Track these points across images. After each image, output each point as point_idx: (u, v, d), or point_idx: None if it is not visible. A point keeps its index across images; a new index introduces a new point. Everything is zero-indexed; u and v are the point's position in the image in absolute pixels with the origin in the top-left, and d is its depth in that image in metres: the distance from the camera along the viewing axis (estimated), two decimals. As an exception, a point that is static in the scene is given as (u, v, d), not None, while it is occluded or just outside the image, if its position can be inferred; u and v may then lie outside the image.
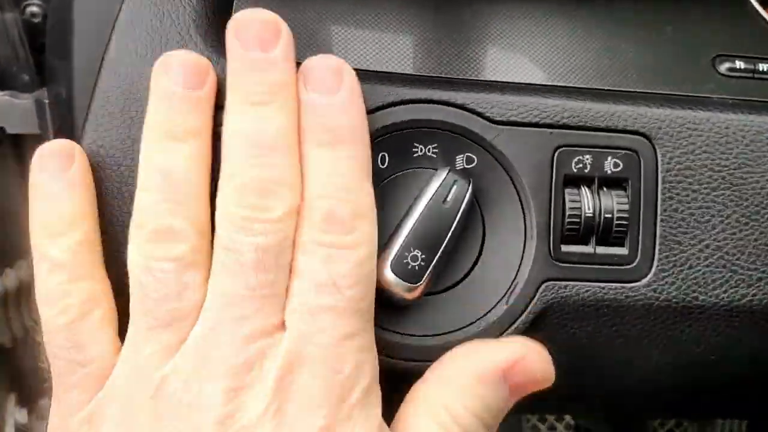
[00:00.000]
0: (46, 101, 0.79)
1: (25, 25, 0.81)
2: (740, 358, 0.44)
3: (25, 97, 0.80)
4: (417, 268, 0.39)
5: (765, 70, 0.47)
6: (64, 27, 0.66)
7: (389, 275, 0.39)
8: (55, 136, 0.81)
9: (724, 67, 0.46)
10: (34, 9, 0.83)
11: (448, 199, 0.39)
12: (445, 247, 0.39)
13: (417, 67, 0.44)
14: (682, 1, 0.48)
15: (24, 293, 0.95)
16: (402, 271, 0.39)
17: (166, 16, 0.41)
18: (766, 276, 0.43)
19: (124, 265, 0.37)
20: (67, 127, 0.63)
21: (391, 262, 0.39)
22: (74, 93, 0.72)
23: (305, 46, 0.43)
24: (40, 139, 0.84)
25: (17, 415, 1.00)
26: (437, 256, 0.39)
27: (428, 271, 0.39)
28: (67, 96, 0.61)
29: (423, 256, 0.39)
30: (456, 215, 0.39)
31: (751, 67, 0.46)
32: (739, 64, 0.46)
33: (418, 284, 0.39)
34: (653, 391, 0.47)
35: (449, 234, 0.39)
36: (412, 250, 0.39)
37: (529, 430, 0.96)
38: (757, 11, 0.49)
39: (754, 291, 0.43)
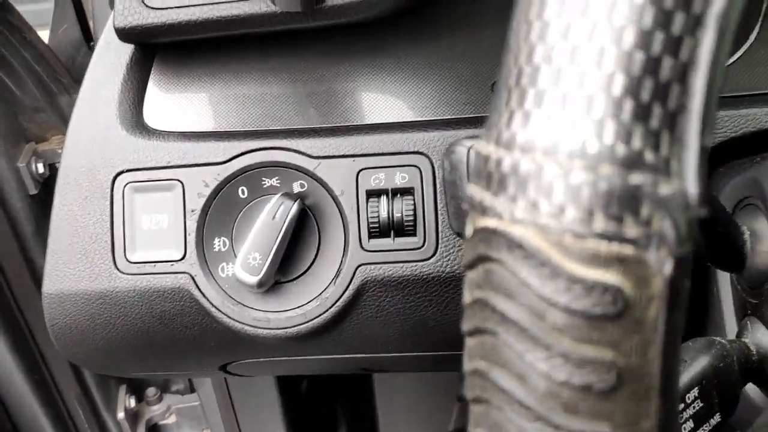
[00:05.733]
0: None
1: None
2: None
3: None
4: (256, 265, 0.57)
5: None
6: None
7: (239, 272, 0.57)
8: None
9: (500, 91, 0.60)
10: None
11: (276, 215, 0.57)
12: (276, 249, 0.57)
13: (269, 123, 0.62)
14: (471, 34, 0.62)
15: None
16: (247, 268, 0.57)
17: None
18: None
19: None
20: None
21: (241, 262, 0.57)
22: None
23: (196, 117, 0.63)
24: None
25: (127, 401, 1.25)
26: (270, 256, 0.57)
27: (265, 266, 0.57)
28: None
29: (260, 257, 0.57)
30: (281, 227, 0.57)
31: (522, 87, 0.60)
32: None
33: (259, 276, 0.57)
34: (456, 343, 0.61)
35: (277, 240, 0.57)
36: (252, 252, 0.57)
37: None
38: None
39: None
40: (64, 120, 1.06)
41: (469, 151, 0.40)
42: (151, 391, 1.32)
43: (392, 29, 0.62)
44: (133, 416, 1.27)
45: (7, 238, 0.99)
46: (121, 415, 1.23)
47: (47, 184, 1.05)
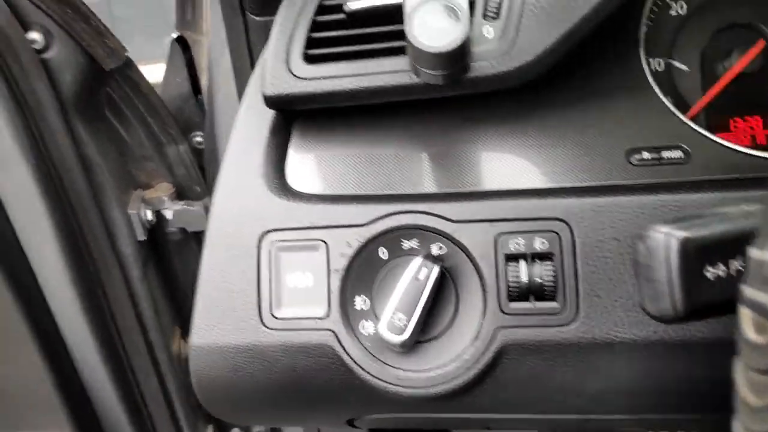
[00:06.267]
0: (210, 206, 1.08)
1: (194, 151, 1.12)
2: (659, 381, 0.59)
3: (196, 204, 1.10)
4: (402, 325, 0.59)
5: (668, 156, 0.61)
6: (213, 146, 0.95)
7: (384, 332, 0.59)
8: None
9: (635, 159, 0.62)
10: (199, 138, 1.13)
11: (420, 277, 0.59)
12: (420, 311, 0.59)
13: (407, 187, 0.65)
14: (602, 102, 0.64)
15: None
16: (392, 328, 0.59)
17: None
18: None
19: None
20: None
21: (386, 322, 0.59)
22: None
23: (336, 180, 0.66)
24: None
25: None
26: (415, 317, 0.59)
27: (409, 328, 0.59)
28: None
29: (406, 318, 0.59)
30: (425, 288, 0.59)
31: (657, 155, 0.62)
32: (646, 154, 0.62)
33: (404, 337, 0.59)
34: (590, 411, 0.62)
35: (421, 302, 0.59)
36: (397, 313, 0.59)
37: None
38: (663, 103, 0.63)
39: (663, 327, 0.58)
40: (170, 168, 1.11)
41: (669, 239, 0.41)
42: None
43: (527, 95, 0.64)
44: (219, 456, 1.29)
45: (117, 283, 1.03)
46: (209, 454, 1.25)
47: (152, 231, 1.09)
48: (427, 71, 0.57)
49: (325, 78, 0.63)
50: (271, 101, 0.64)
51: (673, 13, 0.67)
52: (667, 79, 0.65)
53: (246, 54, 0.81)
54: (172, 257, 1.19)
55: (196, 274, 1.21)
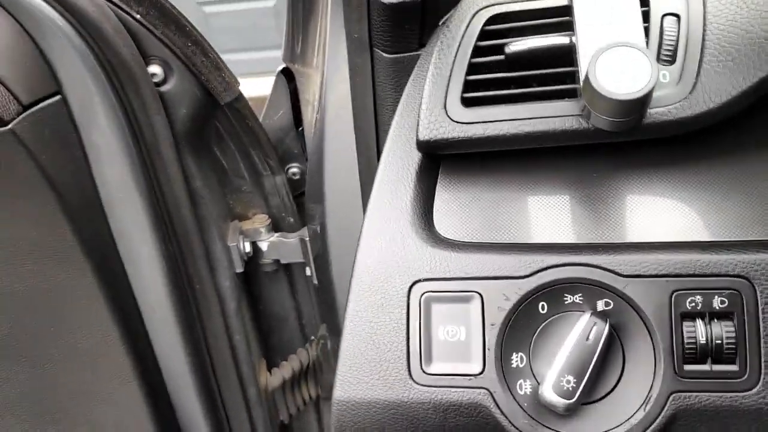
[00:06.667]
0: (307, 238, 1.06)
1: (289, 182, 1.10)
2: None
3: (292, 236, 1.08)
4: (570, 388, 0.55)
5: None
6: (319, 180, 0.93)
7: (550, 395, 0.55)
8: (315, 262, 1.09)
9: (819, 213, 0.58)
10: (295, 170, 1.11)
11: (590, 337, 0.56)
12: (590, 373, 0.55)
13: (566, 236, 0.61)
14: None
15: (296, 381, 1.22)
16: (559, 391, 0.55)
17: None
18: None
19: None
20: (322, 255, 0.88)
21: (552, 384, 0.56)
22: (327, 229, 0.99)
23: (486, 227, 0.63)
24: (303, 265, 1.12)
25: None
26: (585, 380, 0.55)
27: (578, 391, 0.55)
28: (321, 231, 0.87)
29: (574, 380, 0.55)
30: (596, 349, 0.55)
31: None
32: (832, 208, 0.58)
33: (571, 401, 0.55)
34: None
35: (592, 363, 0.55)
36: (566, 375, 0.55)
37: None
38: None
39: None
40: (266, 199, 1.09)
41: None
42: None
43: (700, 140, 0.61)
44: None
45: (215, 316, 1.01)
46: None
47: (247, 263, 1.07)
48: (604, 117, 0.54)
49: (484, 122, 0.60)
50: (425, 145, 0.62)
51: None
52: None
53: (370, 90, 0.79)
54: (262, 289, 1.17)
55: (284, 306, 1.21)
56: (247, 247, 1.05)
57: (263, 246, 1.08)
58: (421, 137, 0.61)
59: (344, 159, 0.90)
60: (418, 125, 0.61)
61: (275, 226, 1.12)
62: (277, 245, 1.09)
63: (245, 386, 1.11)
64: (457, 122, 0.60)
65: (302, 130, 1.05)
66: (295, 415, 1.26)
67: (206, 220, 0.98)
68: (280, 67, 1.01)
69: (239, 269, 1.04)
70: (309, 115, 1.01)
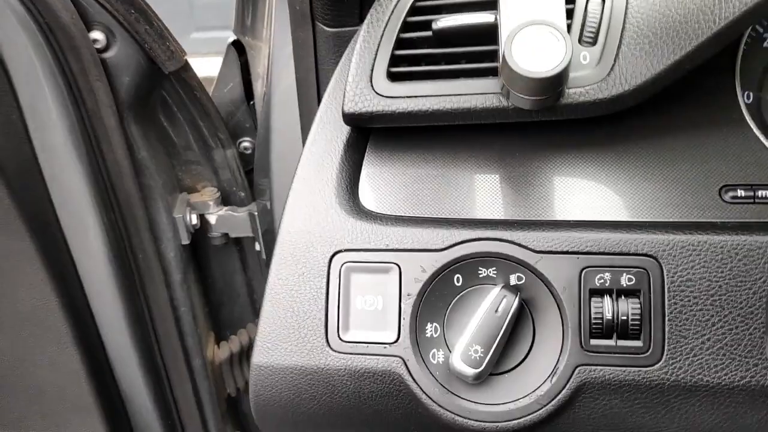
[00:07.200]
0: (256, 213, 1.07)
1: (240, 156, 1.10)
2: (740, 429, 0.56)
3: (241, 210, 1.08)
4: (477, 358, 0.57)
5: (763, 195, 0.59)
6: (266, 155, 0.94)
7: (459, 364, 0.57)
8: (264, 237, 1.09)
9: (728, 196, 0.59)
10: (246, 144, 1.12)
11: (499, 309, 0.57)
12: (498, 344, 0.57)
13: (485, 212, 0.62)
14: (694, 134, 0.61)
15: (244, 355, 1.23)
16: (467, 360, 0.57)
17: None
18: (760, 362, 0.55)
19: None
20: (271, 230, 0.89)
21: (461, 353, 0.57)
22: (275, 204, 0.99)
23: (409, 201, 0.64)
24: (254, 240, 1.12)
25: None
26: (492, 350, 0.56)
27: (486, 361, 0.56)
28: (270, 206, 0.87)
29: (482, 350, 0.57)
30: (504, 321, 0.57)
31: (751, 194, 0.59)
32: (741, 192, 0.59)
33: (478, 369, 0.56)
34: None
35: (500, 335, 0.57)
36: (474, 345, 0.57)
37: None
38: (758, 138, 0.61)
39: (750, 374, 0.55)
40: (216, 172, 1.09)
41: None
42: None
43: (617, 123, 0.62)
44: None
45: (158, 286, 1.01)
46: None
47: (194, 235, 1.07)
48: (521, 96, 0.55)
49: (408, 97, 0.60)
50: (350, 118, 0.62)
51: (766, 45, 0.64)
52: (758, 114, 0.63)
53: (312, 64, 0.79)
54: (211, 262, 1.17)
55: (234, 280, 1.21)
56: (194, 219, 1.05)
57: (212, 219, 1.09)
58: (346, 109, 0.62)
59: (290, 133, 0.90)
60: (344, 98, 0.62)
61: (225, 200, 1.12)
62: (226, 219, 1.09)
63: (190, 358, 1.12)
64: (382, 96, 0.61)
65: (253, 104, 1.06)
66: (243, 389, 1.27)
67: (151, 190, 0.98)
68: (231, 39, 1.01)
69: (185, 241, 1.04)
70: (259, 89, 1.01)
